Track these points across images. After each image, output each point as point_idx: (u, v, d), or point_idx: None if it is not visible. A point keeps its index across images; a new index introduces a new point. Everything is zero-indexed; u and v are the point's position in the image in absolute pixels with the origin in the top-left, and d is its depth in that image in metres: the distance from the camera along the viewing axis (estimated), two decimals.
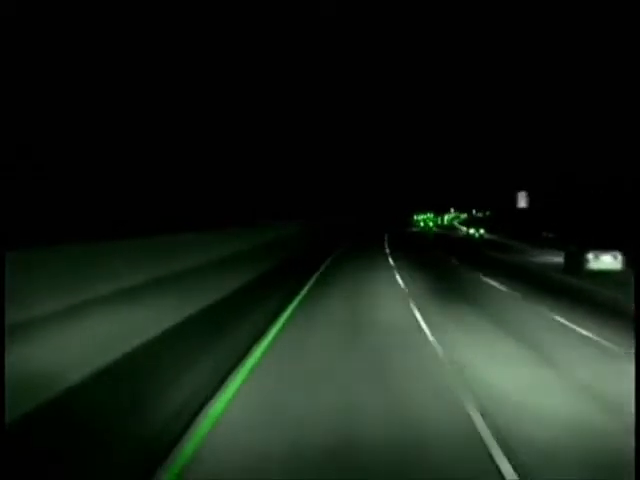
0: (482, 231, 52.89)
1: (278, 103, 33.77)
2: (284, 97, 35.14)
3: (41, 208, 10.35)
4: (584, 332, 9.84)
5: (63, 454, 4.55)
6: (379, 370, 7.37)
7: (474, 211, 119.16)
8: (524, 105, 52.92)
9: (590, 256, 19.31)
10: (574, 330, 10.07)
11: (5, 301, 5.25)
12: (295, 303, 12.93)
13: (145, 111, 16.92)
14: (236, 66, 26.32)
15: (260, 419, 5.61)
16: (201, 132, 22.36)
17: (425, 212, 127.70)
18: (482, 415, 5.61)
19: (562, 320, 10.98)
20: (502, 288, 15.92)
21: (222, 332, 9.33)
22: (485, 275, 19.01)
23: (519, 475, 4.33)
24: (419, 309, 12.10)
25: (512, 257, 28.50)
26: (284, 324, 10.52)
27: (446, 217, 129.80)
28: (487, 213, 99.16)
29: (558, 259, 23.46)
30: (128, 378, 6.51)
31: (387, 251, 32.57)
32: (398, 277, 18.37)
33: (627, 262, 19.13)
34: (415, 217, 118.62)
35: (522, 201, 52.71)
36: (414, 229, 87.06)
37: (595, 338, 9.38)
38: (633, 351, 7.70)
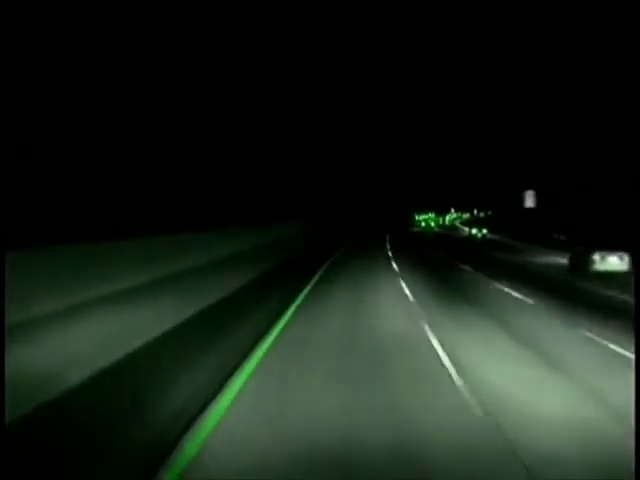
0: (485, 231, 52.71)
1: (278, 103, 33.75)
2: (284, 97, 35.12)
3: (41, 208, 10.33)
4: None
5: (63, 455, 4.54)
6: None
7: (475, 211, 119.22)
8: (525, 104, 52.82)
9: (596, 257, 18.93)
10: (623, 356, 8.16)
11: (5, 301, 5.24)
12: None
13: (145, 111, 16.90)
14: (236, 66, 26.31)
15: (261, 419, 5.60)
16: (201, 132, 22.34)
17: (427, 212, 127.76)
18: None
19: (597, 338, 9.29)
20: (519, 296, 14.25)
21: (223, 332, 9.32)
22: (496, 280, 17.52)
23: None
24: (432, 326, 10.24)
25: (518, 258, 28.10)
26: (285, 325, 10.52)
27: (447, 217, 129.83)
28: (489, 213, 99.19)
29: (563, 260, 23.07)
30: (128, 378, 6.50)
31: (390, 254, 30.88)
32: (403, 285, 16.49)
33: (633, 263, 18.73)
34: (417, 217, 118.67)
35: (529, 200, 50.71)
36: (415, 229, 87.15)
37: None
38: None
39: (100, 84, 14.46)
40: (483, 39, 67.15)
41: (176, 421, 5.37)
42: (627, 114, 30.82)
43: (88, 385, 5.94)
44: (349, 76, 69.02)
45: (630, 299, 13.56)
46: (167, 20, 18.54)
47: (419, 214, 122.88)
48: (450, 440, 4.96)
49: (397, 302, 13.46)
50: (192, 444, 4.87)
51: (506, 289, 15.70)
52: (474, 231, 55.66)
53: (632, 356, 7.83)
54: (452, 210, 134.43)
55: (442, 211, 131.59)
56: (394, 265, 23.54)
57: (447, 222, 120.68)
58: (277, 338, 9.28)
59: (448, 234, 67.21)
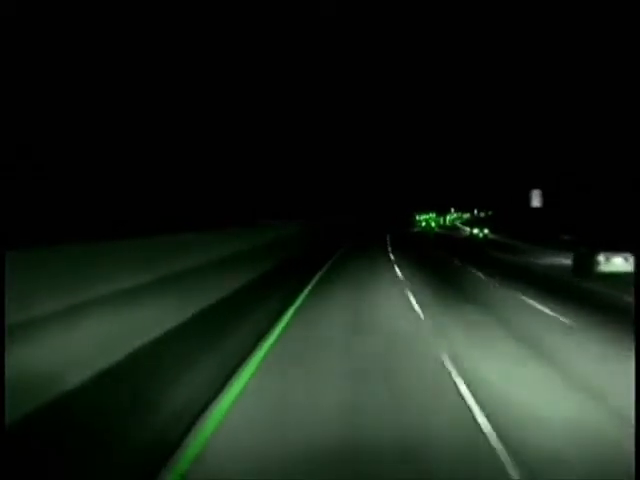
0: (486, 231, 52.53)
1: (278, 103, 33.76)
2: (284, 97, 35.13)
3: (41, 208, 10.33)
4: None
5: (63, 455, 4.53)
6: None
7: (475, 211, 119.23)
8: (527, 104, 52.76)
9: (601, 258, 18.68)
10: None
11: (5, 301, 5.23)
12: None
13: (145, 111, 16.90)
14: (236, 66, 26.31)
15: (262, 419, 5.59)
16: (201, 132, 22.34)
17: (427, 212, 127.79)
18: None
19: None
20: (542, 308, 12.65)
21: (223, 332, 9.31)
22: (517, 291, 15.55)
23: None
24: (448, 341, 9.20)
25: (522, 259, 27.84)
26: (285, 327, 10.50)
27: (448, 217, 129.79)
28: (489, 213, 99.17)
29: (566, 261, 22.74)
30: (129, 379, 6.49)
31: (392, 258, 27.89)
32: (409, 293, 15.02)
33: (635, 263, 18.07)
34: (417, 217, 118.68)
35: (536, 200, 48.60)
36: (416, 229, 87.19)
37: None
38: None
39: (100, 84, 14.46)
40: (484, 39, 67.13)
41: (177, 421, 5.36)
42: (628, 113, 30.80)
43: (88, 385, 5.93)
44: (349, 76, 69.05)
45: None
46: (167, 20, 18.54)
47: (420, 214, 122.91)
48: None
49: (407, 323, 10.95)
50: (194, 443, 4.87)
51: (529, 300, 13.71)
52: (475, 231, 55.52)
53: None
54: (452, 210, 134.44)
55: (443, 211, 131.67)
56: (397, 270, 21.51)
57: (448, 222, 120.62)
58: (279, 337, 9.27)
59: (449, 234, 67.06)
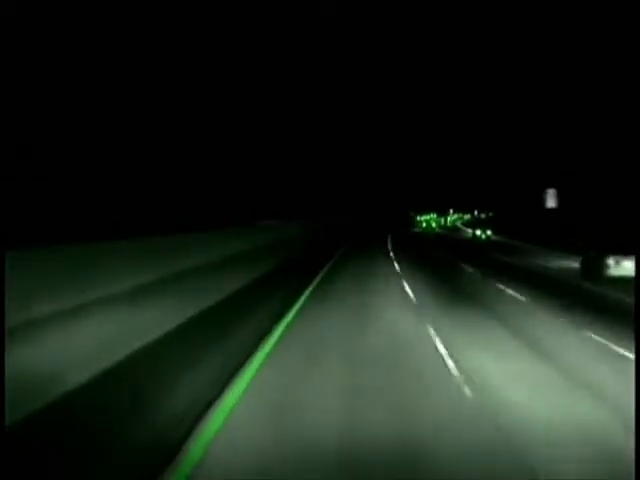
0: (489, 232, 52.05)
1: (278, 103, 33.77)
2: (284, 97, 35.14)
3: (41, 208, 10.33)
4: None
5: (64, 456, 4.51)
6: None
7: (476, 212, 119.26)
8: (528, 103, 52.70)
9: (611, 261, 18.30)
10: None
11: (5, 301, 5.22)
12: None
13: (145, 111, 16.89)
14: (236, 66, 26.31)
15: (263, 418, 5.58)
16: (201, 132, 22.34)
17: (428, 213, 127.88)
18: None
19: None
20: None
21: (224, 332, 9.29)
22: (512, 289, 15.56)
23: None
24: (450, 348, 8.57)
25: (528, 262, 27.59)
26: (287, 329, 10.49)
27: (449, 218, 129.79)
28: (489, 214, 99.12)
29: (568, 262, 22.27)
30: (130, 379, 6.48)
31: (395, 263, 25.43)
32: (409, 291, 15.02)
33: (635, 264, 17.49)
34: (418, 218, 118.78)
35: (551, 200, 45.76)
36: (416, 229, 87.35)
37: None
38: None
39: (100, 84, 14.46)
40: (484, 38, 67.15)
41: (178, 422, 5.34)
42: (627, 113, 30.75)
43: (88, 386, 5.91)
44: (349, 76, 69.09)
45: None
46: (167, 20, 18.53)
47: (420, 215, 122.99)
48: None
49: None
50: (195, 443, 4.86)
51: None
52: (478, 232, 55.11)
53: None
54: (451, 211, 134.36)
55: (443, 212, 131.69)
56: (397, 268, 21.17)
57: (448, 223, 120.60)
58: (280, 337, 9.26)
59: (450, 235, 66.84)
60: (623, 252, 18.56)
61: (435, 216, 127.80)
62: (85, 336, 7.33)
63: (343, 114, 61.23)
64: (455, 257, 29.10)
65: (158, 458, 4.58)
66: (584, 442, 5.10)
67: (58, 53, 12.78)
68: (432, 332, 9.77)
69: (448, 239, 54.98)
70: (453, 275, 20.30)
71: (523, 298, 14.23)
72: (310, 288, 15.74)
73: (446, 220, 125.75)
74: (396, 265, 22.92)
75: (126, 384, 6.30)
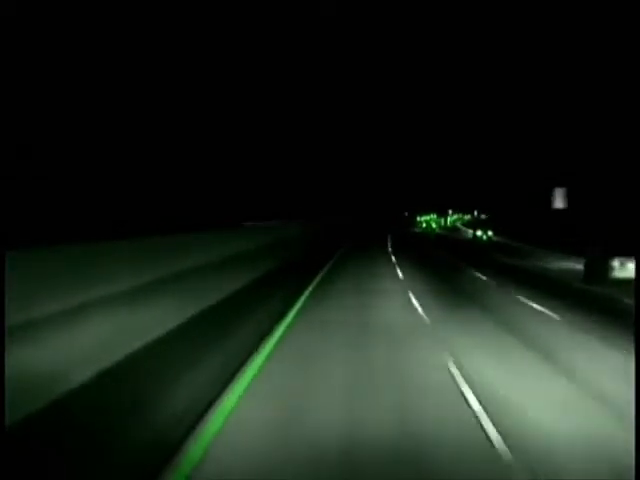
0: (490, 233, 51.81)
1: (278, 103, 33.76)
2: (284, 97, 35.13)
3: (41, 208, 10.32)
4: None
5: (64, 456, 4.51)
6: None
7: (476, 212, 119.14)
8: (528, 103, 52.59)
9: (616, 264, 18.13)
10: None
11: (5, 301, 5.21)
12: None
13: (145, 111, 16.89)
14: (236, 66, 26.30)
15: (264, 417, 5.57)
16: (201, 132, 22.33)
17: (428, 213, 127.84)
18: None
19: None
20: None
21: (224, 332, 9.29)
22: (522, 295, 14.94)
23: None
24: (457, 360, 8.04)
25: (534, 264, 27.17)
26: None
27: (449, 219, 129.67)
28: (489, 215, 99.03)
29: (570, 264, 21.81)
30: (130, 379, 6.48)
31: (395, 265, 24.72)
32: (412, 297, 14.41)
33: (636, 265, 17.21)
34: (418, 218, 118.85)
35: (559, 201, 42.34)
36: (416, 229, 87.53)
37: None
38: None
39: (100, 84, 14.45)
40: (484, 39, 67.09)
41: (178, 422, 5.34)
42: (626, 114, 30.69)
43: (89, 386, 5.91)
44: (349, 76, 69.04)
45: None
46: (167, 20, 18.53)
47: (421, 215, 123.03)
48: None
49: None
50: (195, 443, 4.85)
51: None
52: (479, 233, 54.99)
53: None
54: (449, 211, 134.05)
55: (443, 212, 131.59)
56: (400, 275, 20.02)
57: (449, 223, 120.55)
58: (281, 338, 9.25)
59: (450, 235, 66.83)
60: (627, 254, 18.28)
61: (435, 216, 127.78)
62: (85, 336, 7.32)
63: (343, 114, 61.20)
64: (457, 259, 29.06)
65: (158, 458, 4.58)
66: None
67: (58, 53, 12.77)
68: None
69: (448, 240, 54.94)
70: (454, 277, 20.29)
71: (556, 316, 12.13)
72: (310, 288, 15.75)
73: (446, 220, 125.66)
74: (398, 270, 22.88)
75: (126, 384, 6.30)
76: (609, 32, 33.77)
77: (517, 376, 7.32)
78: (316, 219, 45.34)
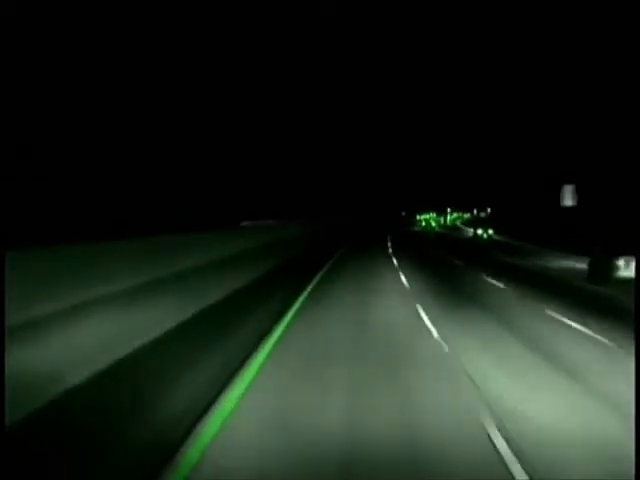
0: (490, 232, 51.49)
1: (278, 103, 33.77)
2: (284, 97, 35.14)
3: (41, 208, 10.32)
4: None
5: (64, 456, 4.51)
6: None
7: (475, 211, 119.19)
8: (529, 102, 52.54)
9: (621, 263, 17.91)
10: None
11: (5, 301, 5.21)
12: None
13: (145, 111, 16.89)
14: (236, 66, 26.31)
15: (264, 417, 5.58)
16: (201, 132, 22.34)
17: (428, 212, 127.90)
18: None
19: None
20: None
21: (224, 332, 9.30)
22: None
23: None
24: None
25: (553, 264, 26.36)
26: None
27: (449, 217, 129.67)
28: (488, 213, 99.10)
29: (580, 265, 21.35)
30: (130, 379, 6.48)
31: (394, 261, 25.81)
32: (412, 296, 14.29)
33: (636, 265, 16.87)
34: (417, 217, 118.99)
35: (568, 198, 40.64)
36: (416, 228, 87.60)
37: None
38: None
39: (100, 84, 14.45)
40: (483, 39, 67.13)
41: (177, 422, 5.35)
42: (625, 115, 30.65)
43: (89, 386, 5.91)
44: (348, 76, 69.07)
45: None
46: (167, 20, 18.53)
47: (420, 214, 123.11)
48: None
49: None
50: (195, 443, 4.86)
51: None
52: (479, 231, 54.76)
53: None
54: (448, 210, 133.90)
55: (443, 211, 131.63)
56: (401, 275, 19.44)
57: (448, 222, 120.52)
58: (280, 338, 9.26)
59: (450, 234, 66.67)
60: (631, 253, 17.97)
61: (435, 215, 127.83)
62: (85, 336, 7.32)
63: (343, 114, 61.24)
64: (457, 258, 29.03)
65: (158, 458, 4.59)
66: None
67: (58, 53, 12.78)
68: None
69: (448, 238, 54.87)
70: (455, 277, 20.28)
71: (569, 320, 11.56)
72: (309, 288, 15.75)
73: (446, 219, 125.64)
74: (398, 269, 22.83)
75: (126, 384, 6.30)
76: (621, 27, 33.39)
77: (514, 372, 7.41)
78: (316, 219, 45.34)
